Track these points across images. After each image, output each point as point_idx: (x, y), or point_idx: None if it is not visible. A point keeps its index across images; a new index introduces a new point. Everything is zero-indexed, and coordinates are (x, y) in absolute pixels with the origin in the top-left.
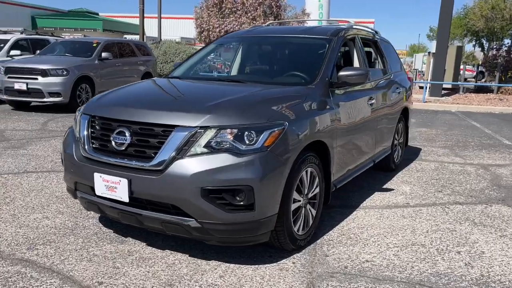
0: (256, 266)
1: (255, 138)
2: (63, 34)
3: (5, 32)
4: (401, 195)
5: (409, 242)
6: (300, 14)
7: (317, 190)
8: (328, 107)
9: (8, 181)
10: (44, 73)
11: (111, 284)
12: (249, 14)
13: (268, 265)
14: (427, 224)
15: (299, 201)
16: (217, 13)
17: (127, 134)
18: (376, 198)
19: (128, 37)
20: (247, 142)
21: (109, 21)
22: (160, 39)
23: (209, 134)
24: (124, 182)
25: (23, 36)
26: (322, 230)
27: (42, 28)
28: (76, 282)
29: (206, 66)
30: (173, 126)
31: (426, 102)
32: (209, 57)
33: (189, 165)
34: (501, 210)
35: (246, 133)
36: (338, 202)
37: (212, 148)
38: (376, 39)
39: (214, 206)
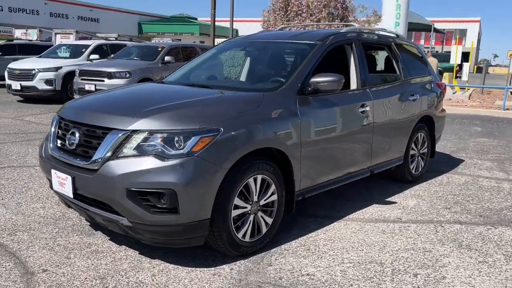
0: (194, 268)
1: (183, 143)
2: (154, 38)
3: (97, 38)
4: (400, 209)
5: (369, 260)
6: (371, 16)
7: (274, 198)
8: (291, 114)
9: (36, 172)
10: (110, 76)
11: (52, 272)
12: (313, 17)
13: (206, 269)
14: (403, 242)
15: (245, 207)
16: (282, 16)
17: (77, 134)
18: (370, 210)
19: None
20: (176, 146)
21: (206, 25)
22: None
23: (140, 137)
24: (69, 179)
25: (103, 41)
26: (285, 239)
27: (146, 33)
28: (25, 267)
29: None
30: (110, 129)
31: (508, 109)
32: None
33: (117, 166)
34: (503, 233)
35: (176, 138)
36: (322, 212)
37: (141, 151)
38: (389, 42)
39: (139, 207)
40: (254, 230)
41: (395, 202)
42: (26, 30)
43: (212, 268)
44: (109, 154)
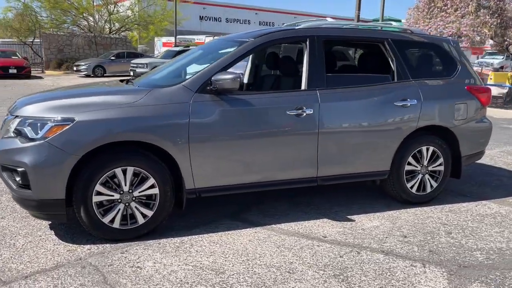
0: (63, 243)
1: (39, 129)
2: None
3: None
4: (343, 228)
5: (215, 267)
6: None
7: (154, 191)
8: (179, 112)
9: None
10: None
11: None
12: (457, 12)
13: (71, 244)
14: (280, 259)
15: (111, 195)
16: (426, 14)
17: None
18: (310, 224)
19: None
20: (37, 131)
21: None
22: None
23: (17, 121)
24: None
25: None
26: (175, 234)
27: None
28: None
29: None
30: (8, 114)
31: None
32: None
33: (1, 144)
34: (421, 274)
35: (38, 124)
36: (254, 217)
37: (17, 133)
38: (381, 39)
39: (9, 181)
40: (127, 219)
41: (353, 221)
42: (213, 37)
43: (76, 245)
44: (4, 134)
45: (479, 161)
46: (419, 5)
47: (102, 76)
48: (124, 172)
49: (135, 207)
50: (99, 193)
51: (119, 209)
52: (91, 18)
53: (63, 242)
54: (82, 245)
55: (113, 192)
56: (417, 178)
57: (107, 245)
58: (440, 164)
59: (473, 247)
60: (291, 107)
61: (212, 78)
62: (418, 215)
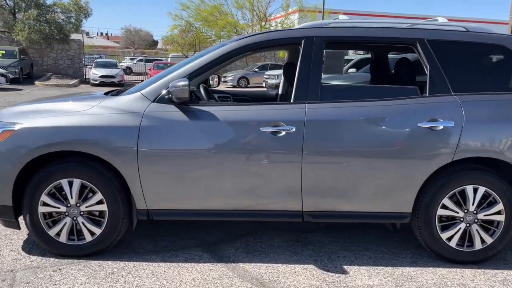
0: (15, 249)
1: None
2: None
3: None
4: (322, 281)
5: None
6: None
7: (102, 208)
8: (129, 122)
9: None
10: None
11: None
12: None
13: (19, 252)
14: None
15: (57, 208)
16: None
17: None
18: (283, 267)
19: None
20: None
21: None
22: None
23: None
24: None
25: (367, 56)
26: (120, 256)
27: None
28: None
29: None
30: None
31: None
32: None
33: None
34: None
35: None
36: (229, 251)
37: None
38: (413, 40)
39: None
40: (73, 233)
41: (346, 273)
42: None
43: (26, 255)
44: None
45: None
46: None
47: (245, 87)
48: (71, 184)
49: (82, 222)
50: (45, 204)
51: (66, 223)
52: (245, 33)
53: (19, 250)
54: (30, 256)
55: (59, 204)
56: (457, 228)
57: (52, 259)
58: (497, 212)
59: None
60: (266, 123)
61: (169, 85)
62: (445, 279)
